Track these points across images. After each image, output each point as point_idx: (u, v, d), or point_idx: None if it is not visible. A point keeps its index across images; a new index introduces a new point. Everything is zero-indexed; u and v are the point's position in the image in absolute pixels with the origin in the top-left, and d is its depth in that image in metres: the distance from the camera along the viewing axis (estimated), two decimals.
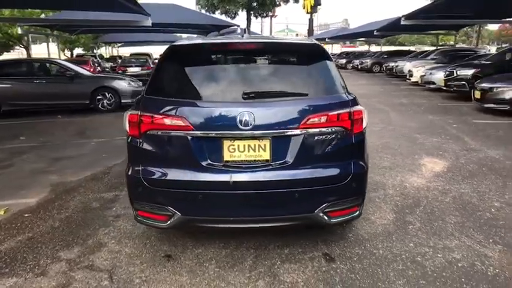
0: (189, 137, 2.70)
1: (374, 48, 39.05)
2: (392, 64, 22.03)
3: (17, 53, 33.35)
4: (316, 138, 2.74)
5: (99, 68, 20.24)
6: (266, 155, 2.72)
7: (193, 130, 2.67)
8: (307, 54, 3.06)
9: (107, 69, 23.47)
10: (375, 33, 24.53)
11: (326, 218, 2.83)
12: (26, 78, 10.46)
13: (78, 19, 16.42)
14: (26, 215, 3.94)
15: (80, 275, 2.86)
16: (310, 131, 2.71)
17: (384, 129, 7.92)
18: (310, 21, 30.05)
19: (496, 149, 6.13)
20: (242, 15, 25.31)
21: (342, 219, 2.96)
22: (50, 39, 21.56)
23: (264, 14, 25.14)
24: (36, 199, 4.35)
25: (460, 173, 5.06)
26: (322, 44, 3.25)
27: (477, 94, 9.62)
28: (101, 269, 2.94)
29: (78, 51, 34.60)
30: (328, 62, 2.98)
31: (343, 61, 33.92)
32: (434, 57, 18.64)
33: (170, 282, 2.78)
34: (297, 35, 68.68)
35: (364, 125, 2.87)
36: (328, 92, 2.87)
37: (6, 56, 28.12)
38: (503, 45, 50.74)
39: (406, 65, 19.09)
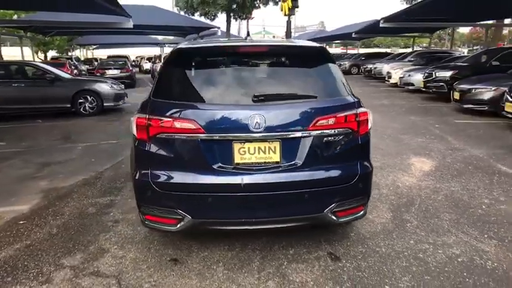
0: (200, 140, 2.70)
1: (350, 50, 39.75)
2: (370, 66, 22.47)
3: None
4: (324, 139, 2.79)
5: (76, 70, 19.76)
6: (276, 157, 2.75)
7: (204, 133, 2.67)
8: (313, 57, 3.10)
9: (84, 72, 22.98)
10: (353, 36, 24.99)
11: (334, 217, 2.89)
12: (3, 81, 10.12)
13: (57, 20, 16.04)
14: (21, 222, 3.83)
15: (87, 282, 2.81)
16: (319, 133, 2.76)
17: None
18: (288, 23, 30.08)
19: (479, 148, 6.37)
20: (222, 17, 25.27)
21: (349, 218, 3.02)
22: (23, 41, 20.94)
23: (244, 16, 25.13)
24: (29, 206, 4.23)
25: (449, 171, 5.23)
26: None
27: (456, 95, 9.94)
28: (107, 275, 2.89)
29: (52, 53, 33.59)
30: (333, 64, 3.05)
31: None
32: (412, 59, 19.14)
33: (180, 285, 2.76)
34: (273, 37, 68.96)
35: (369, 126, 2.95)
36: (335, 94, 2.93)
37: None
38: (475, 47, 52.94)
39: (384, 67, 19.51)
